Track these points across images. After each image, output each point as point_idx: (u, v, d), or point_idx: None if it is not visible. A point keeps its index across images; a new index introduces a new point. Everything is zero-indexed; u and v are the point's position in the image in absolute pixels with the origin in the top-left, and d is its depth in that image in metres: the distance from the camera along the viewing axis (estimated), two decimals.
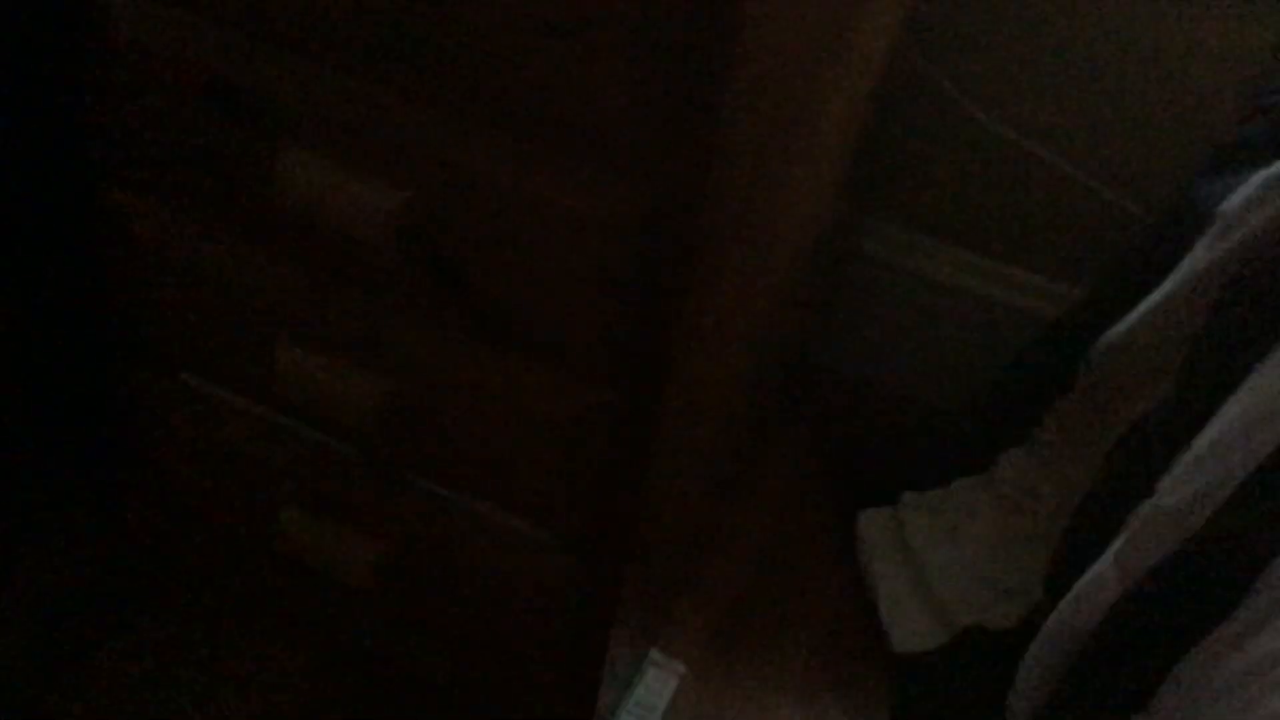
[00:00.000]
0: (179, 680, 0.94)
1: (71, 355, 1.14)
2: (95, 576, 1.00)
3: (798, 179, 0.84)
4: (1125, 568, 0.68)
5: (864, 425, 1.27)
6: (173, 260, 0.81)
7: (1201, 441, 0.69)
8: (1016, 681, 0.79)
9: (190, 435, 0.91)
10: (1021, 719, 0.77)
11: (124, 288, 0.85)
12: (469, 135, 0.67)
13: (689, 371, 0.76)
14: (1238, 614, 0.58)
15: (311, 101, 0.69)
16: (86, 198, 0.83)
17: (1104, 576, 0.70)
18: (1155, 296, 0.92)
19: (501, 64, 0.63)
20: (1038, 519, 1.06)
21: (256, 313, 0.81)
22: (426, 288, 0.74)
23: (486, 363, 0.76)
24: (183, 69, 0.71)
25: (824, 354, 1.32)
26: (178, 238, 0.80)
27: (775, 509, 1.17)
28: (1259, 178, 0.86)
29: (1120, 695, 0.63)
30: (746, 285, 0.81)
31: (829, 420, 1.28)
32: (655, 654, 1.03)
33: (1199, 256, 0.88)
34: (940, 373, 1.27)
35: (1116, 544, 0.73)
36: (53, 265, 1.12)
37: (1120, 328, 0.96)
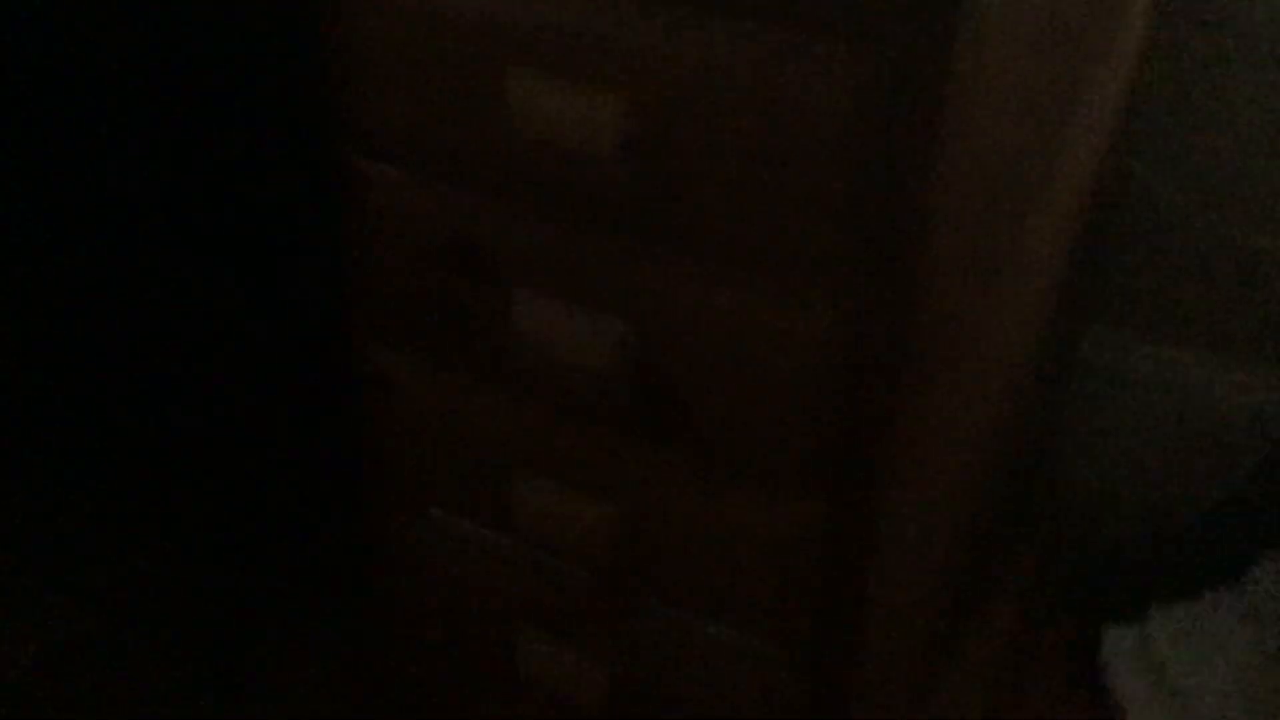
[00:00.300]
0: None
1: (330, 502, 1.24)
2: (348, 712, 1.06)
3: (1008, 286, 0.85)
4: None
5: (1103, 539, 1.23)
6: (423, 407, 0.88)
7: None
8: None
9: (436, 567, 0.97)
10: None
11: (379, 431, 0.93)
12: (682, 267, 0.72)
13: (903, 483, 0.77)
14: None
15: (540, 248, 0.76)
16: (348, 354, 0.92)
17: None
18: None
19: (713, 198, 0.68)
20: None
21: (496, 449, 0.86)
22: (648, 415, 0.78)
23: (706, 484, 0.79)
24: (427, 231, 0.79)
25: (1056, 467, 1.29)
26: (427, 386, 0.88)
27: (1011, 628, 1.14)
28: None
29: None
30: (959, 395, 0.82)
31: (1065, 535, 1.24)
32: None
33: None
34: (1178, 479, 1.23)
35: None
36: (323, 419, 1.22)
37: None
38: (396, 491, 0.96)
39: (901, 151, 0.62)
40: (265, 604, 1.15)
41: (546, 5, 0.67)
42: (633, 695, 0.91)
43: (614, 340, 0.74)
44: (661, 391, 0.76)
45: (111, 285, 1.51)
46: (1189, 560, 1.11)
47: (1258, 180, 1.09)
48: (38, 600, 1.14)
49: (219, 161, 1.46)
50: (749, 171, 0.66)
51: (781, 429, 0.73)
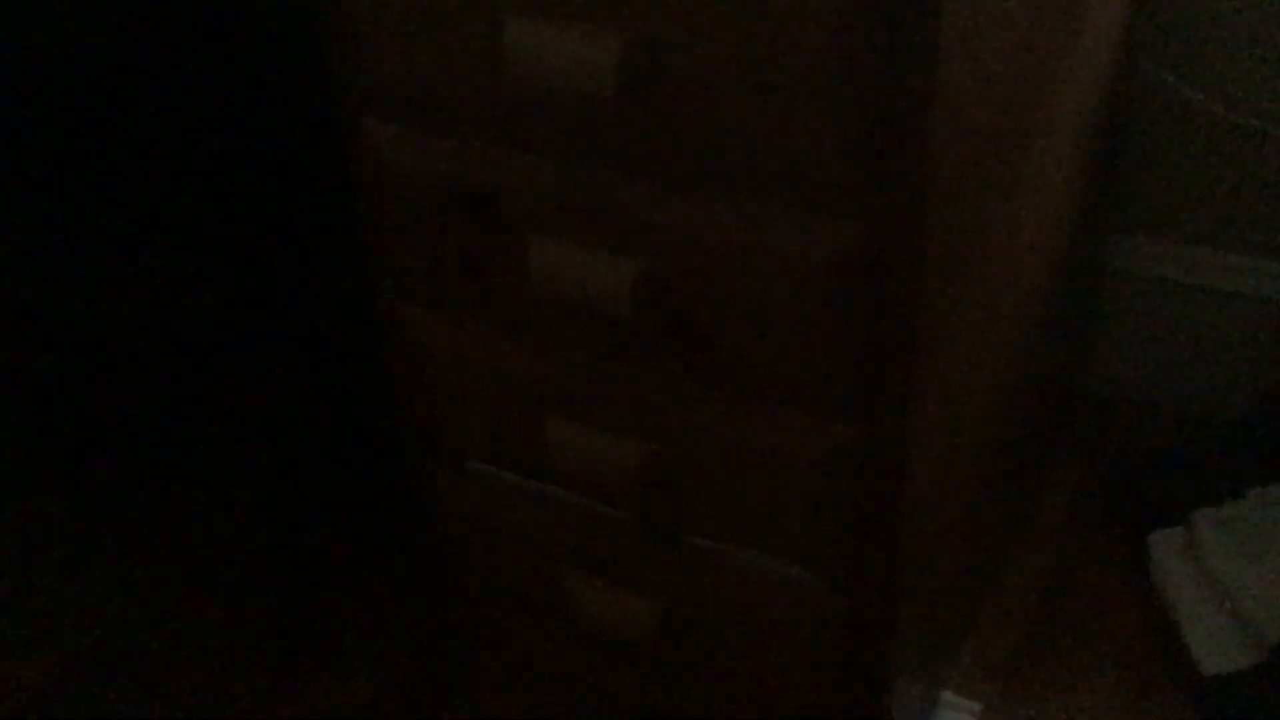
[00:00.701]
0: None
1: (374, 461, 1.26)
2: (413, 664, 1.09)
3: (1025, 197, 0.85)
4: None
5: (1143, 445, 1.23)
6: (450, 359, 0.90)
7: None
8: None
9: (480, 517, 0.99)
10: None
11: (412, 389, 0.94)
12: (692, 201, 0.72)
13: (932, 401, 0.78)
14: None
15: (549, 194, 0.76)
16: (374, 312, 0.93)
17: None
18: None
19: (717, 128, 0.68)
20: None
21: (525, 396, 0.88)
22: (672, 349, 0.78)
23: (736, 413, 0.79)
24: (437, 184, 0.80)
25: (1092, 376, 1.28)
26: (453, 339, 0.89)
27: (1058, 538, 1.15)
28: None
29: None
30: (983, 309, 0.82)
31: (1106, 444, 1.24)
32: (947, 695, 1.02)
33: None
34: (1214, 379, 1.22)
35: None
36: (353, 379, 1.24)
37: None
38: (434, 447, 0.97)
39: (902, 66, 0.62)
40: (323, 569, 1.17)
41: None
42: (680, 628, 0.93)
43: (631, 279, 0.75)
44: (683, 325, 0.77)
45: (146, 270, 1.54)
46: (1231, 459, 1.10)
47: (1275, 72, 1.07)
48: (102, 580, 1.17)
49: (234, 139, 1.47)
50: (749, 98, 0.66)
51: (804, 352, 0.74)
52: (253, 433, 1.34)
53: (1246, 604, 1.02)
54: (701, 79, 0.66)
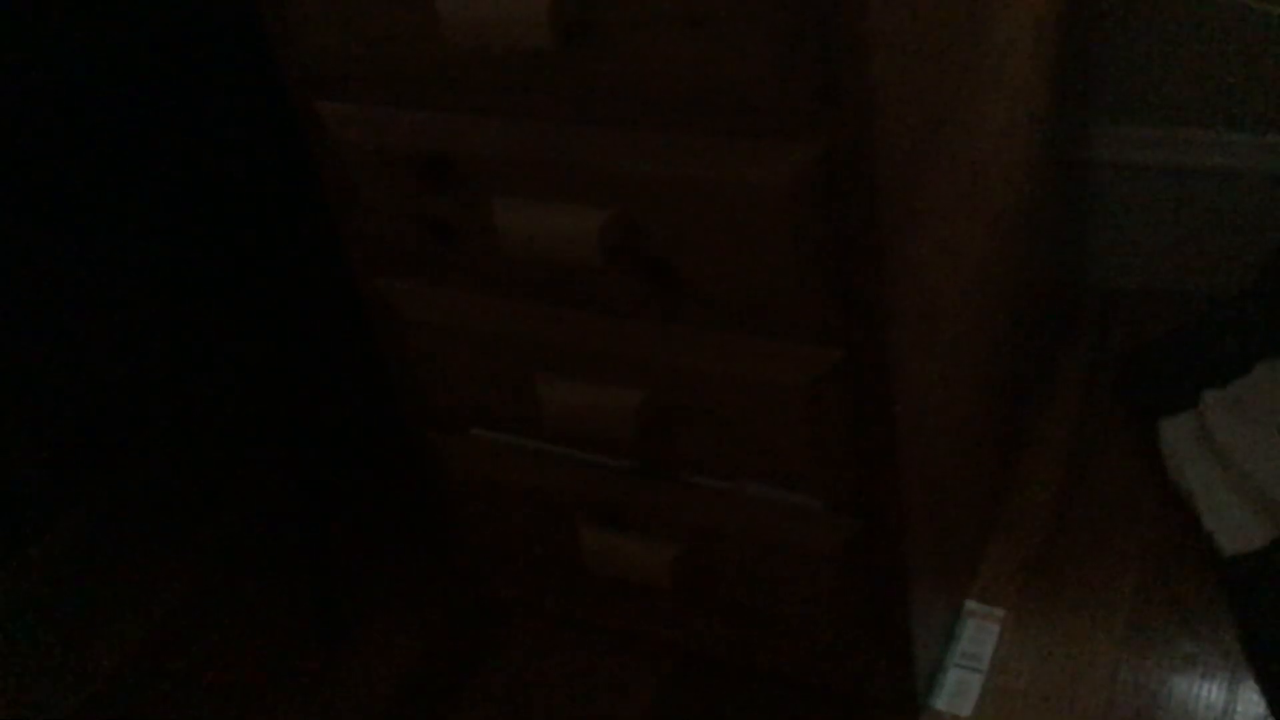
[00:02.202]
0: (530, 701, 1.03)
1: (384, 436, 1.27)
2: (440, 629, 1.11)
3: (986, 96, 0.84)
4: None
5: (1149, 333, 1.22)
6: (433, 328, 0.90)
7: None
8: None
9: (486, 481, 1.00)
10: None
11: (401, 362, 0.95)
12: (647, 142, 0.72)
13: (913, 313, 0.77)
14: None
15: (506, 153, 0.76)
16: (353, 289, 0.93)
17: None
18: None
19: (658, 67, 0.68)
20: None
21: (512, 356, 0.88)
22: (647, 292, 0.79)
23: (720, 349, 0.80)
24: (396, 155, 0.80)
25: (1097, 269, 1.27)
26: (433, 307, 0.89)
27: (1071, 435, 1.15)
28: None
29: None
30: (952, 215, 0.81)
31: (1112, 336, 1.23)
32: (971, 603, 1.03)
33: None
34: (1215, 260, 1.21)
35: None
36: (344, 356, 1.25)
37: None
38: (432, 417, 0.98)
39: None
40: (347, 550, 1.19)
41: None
42: (696, 567, 0.94)
43: (597, 227, 0.75)
44: (655, 266, 0.77)
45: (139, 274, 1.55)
46: (1235, 337, 1.10)
47: None
48: (142, 579, 1.20)
49: (193, 138, 1.47)
50: (683, 32, 0.65)
51: (776, 280, 0.74)
52: (260, 426, 1.35)
53: (1262, 478, 1.01)
54: (633, 20, 0.66)
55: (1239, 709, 0.91)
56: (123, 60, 1.44)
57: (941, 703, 0.96)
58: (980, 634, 1.00)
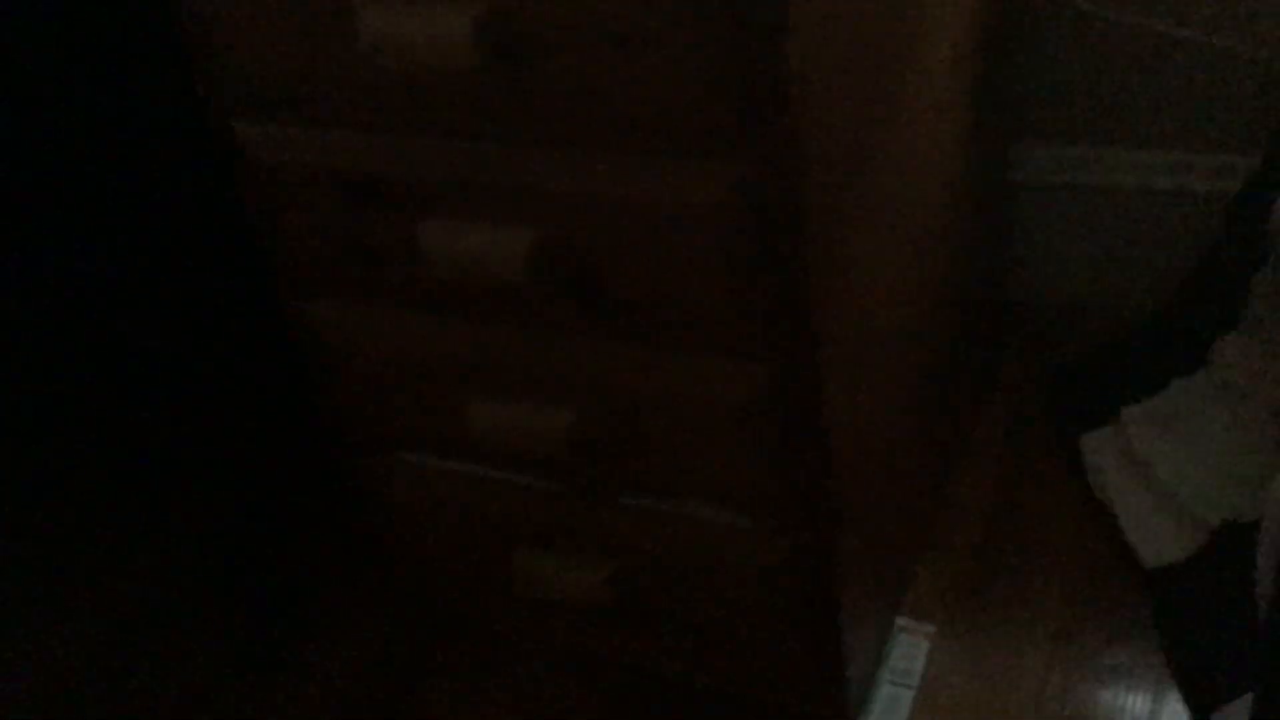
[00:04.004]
0: None
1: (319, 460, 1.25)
2: (380, 650, 1.09)
3: (911, 118, 0.85)
4: None
5: (1072, 349, 1.24)
6: (362, 351, 0.89)
7: None
8: (1257, 563, 0.76)
9: (418, 505, 0.99)
10: (1264, 602, 0.74)
11: (330, 385, 0.94)
12: (574, 162, 0.72)
13: (844, 331, 0.78)
14: None
15: (432, 174, 0.76)
16: (280, 313, 0.92)
17: None
18: None
19: (584, 86, 0.68)
20: (1266, 398, 1.01)
21: (443, 379, 0.87)
22: (577, 312, 0.79)
23: (652, 368, 0.80)
24: (320, 177, 0.79)
25: (1022, 288, 1.30)
26: (361, 330, 0.88)
27: (999, 452, 1.16)
28: None
29: None
30: (879, 234, 0.82)
31: (1037, 352, 1.25)
32: (903, 619, 1.03)
33: None
34: (1131, 277, 1.23)
35: None
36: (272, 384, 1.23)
37: None
38: (363, 440, 0.97)
39: (753, 5, 0.62)
40: (284, 573, 1.17)
41: None
42: (631, 587, 0.93)
43: (524, 247, 0.74)
44: (584, 286, 0.77)
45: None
46: (1153, 354, 1.12)
47: None
48: (66, 596, 1.17)
49: (116, 163, 1.45)
50: (608, 53, 0.65)
51: (706, 299, 0.74)
52: (198, 448, 1.33)
53: (1181, 492, 1.03)
54: (559, 41, 0.66)
55: (1164, 719, 0.93)
56: (42, 86, 1.42)
57: (873, 719, 0.96)
58: (911, 650, 1.01)
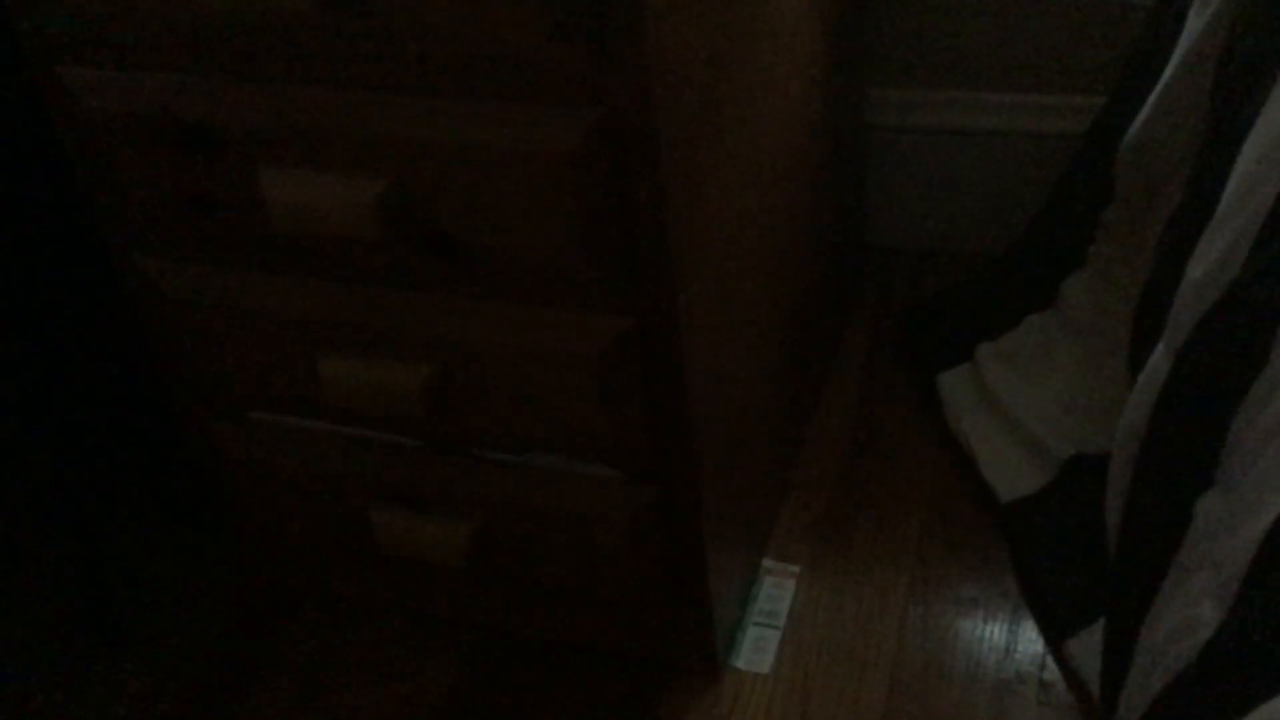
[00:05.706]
0: (326, 687, 0.99)
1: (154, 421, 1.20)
2: (226, 621, 1.06)
3: (765, 64, 0.84)
4: (1171, 351, 0.67)
5: (926, 290, 1.26)
6: (201, 309, 0.85)
7: (1219, 210, 0.68)
8: (1107, 493, 0.78)
9: (269, 465, 0.95)
10: (1113, 532, 0.76)
11: (170, 345, 0.90)
12: (420, 109, 0.69)
13: (701, 279, 0.77)
14: (1268, 367, 0.57)
15: (272, 121, 0.72)
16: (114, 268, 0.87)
17: (1157, 366, 0.69)
18: (1160, 84, 0.89)
19: (424, 30, 0.65)
20: (1113, 334, 1.04)
21: (290, 336, 0.84)
22: (430, 264, 0.76)
23: (509, 321, 0.78)
24: (150, 123, 0.74)
25: (873, 231, 1.31)
26: (200, 287, 0.84)
27: (859, 393, 1.18)
28: None
29: (1187, 474, 0.62)
30: (736, 179, 0.82)
31: (893, 294, 1.27)
32: (768, 561, 1.04)
33: (1193, 28, 0.85)
34: (984, 219, 1.25)
35: (1166, 332, 0.71)
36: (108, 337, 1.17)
37: (1136, 125, 0.93)
38: (209, 402, 0.93)
39: None
40: (127, 546, 1.12)
41: None
42: (493, 543, 0.92)
43: (373, 197, 0.71)
44: (436, 237, 0.74)
45: None
46: (1004, 293, 1.14)
47: None
48: None
49: None
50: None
51: (560, 249, 0.72)
52: (17, 417, 1.26)
53: (1033, 426, 1.06)
54: None
55: (1020, 647, 0.95)
56: None
57: (741, 661, 0.97)
58: (777, 591, 1.02)
